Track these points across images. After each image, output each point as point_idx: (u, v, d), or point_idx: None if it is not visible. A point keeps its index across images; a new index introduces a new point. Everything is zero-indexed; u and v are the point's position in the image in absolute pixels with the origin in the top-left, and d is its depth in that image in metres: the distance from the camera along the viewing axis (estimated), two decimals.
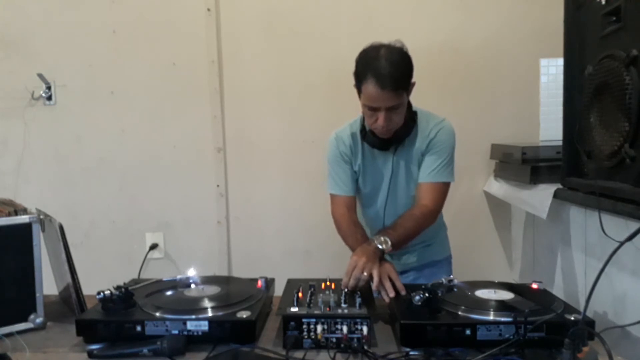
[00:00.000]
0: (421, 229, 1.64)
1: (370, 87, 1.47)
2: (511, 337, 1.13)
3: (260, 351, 1.17)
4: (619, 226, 1.39)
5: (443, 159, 1.64)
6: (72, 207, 2.59)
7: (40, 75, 2.53)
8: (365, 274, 1.38)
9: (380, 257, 1.48)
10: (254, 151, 2.58)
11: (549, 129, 2.24)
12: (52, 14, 2.54)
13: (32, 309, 1.35)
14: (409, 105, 1.63)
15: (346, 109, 1.75)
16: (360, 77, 1.51)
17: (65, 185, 2.62)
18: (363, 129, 1.65)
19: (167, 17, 2.53)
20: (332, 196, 1.73)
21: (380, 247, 1.47)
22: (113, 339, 1.20)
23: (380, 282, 1.39)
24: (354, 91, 1.56)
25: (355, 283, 1.37)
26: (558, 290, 1.85)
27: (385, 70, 1.46)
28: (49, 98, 2.58)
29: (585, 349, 0.97)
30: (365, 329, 1.18)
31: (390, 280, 1.40)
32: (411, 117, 1.63)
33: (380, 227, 1.72)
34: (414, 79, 1.54)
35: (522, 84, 2.44)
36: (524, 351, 1.09)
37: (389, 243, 1.49)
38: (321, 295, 1.32)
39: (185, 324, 1.20)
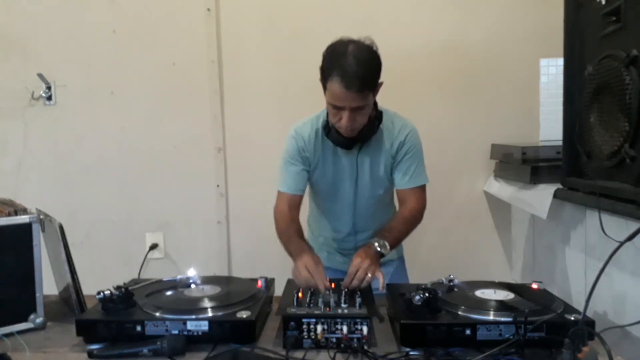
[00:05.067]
0: (411, 230, 1.66)
1: (335, 85, 1.41)
2: (511, 337, 1.13)
3: (260, 351, 1.16)
4: (619, 226, 1.39)
5: (418, 162, 1.65)
6: (72, 207, 2.58)
7: (40, 75, 2.53)
8: (369, 275, 1.38)
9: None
10: (254, 151, 2.58)
11: (549, 129, 2.24)
12: (52, 14, 2.54)
13: (32, 309, 1.35)
14: (375, 104, 1.60)
15: None
16: (325, 73, 1.45)
17: (65, 185, 2.62)
18: (327, 126, 1.61)
19: (167, 17, 2.53)
20: (280, 193, 1.71)
21: (379, 250, 1.49)
22: (113, 339, 1.20)
23: None
24: None
25: (358, 284, 1.37)
26: (558, 290, 1.85)
27: (352, 69, 1.39)
28: (49, 98, 2.57)
29: (585, 349, 0.97)
30: (365, 329, 1.18)
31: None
32: (377, 116, 1.60)
33: (340, 226, 1.75)
34: (381, 79, 1.50)
35: (522, 84, 2.44)
36: (524, 351, 1.09)
37: (388, 247, 1.51)
38: (321, 295, 1.31)
39: (185, 324, 1.20)
